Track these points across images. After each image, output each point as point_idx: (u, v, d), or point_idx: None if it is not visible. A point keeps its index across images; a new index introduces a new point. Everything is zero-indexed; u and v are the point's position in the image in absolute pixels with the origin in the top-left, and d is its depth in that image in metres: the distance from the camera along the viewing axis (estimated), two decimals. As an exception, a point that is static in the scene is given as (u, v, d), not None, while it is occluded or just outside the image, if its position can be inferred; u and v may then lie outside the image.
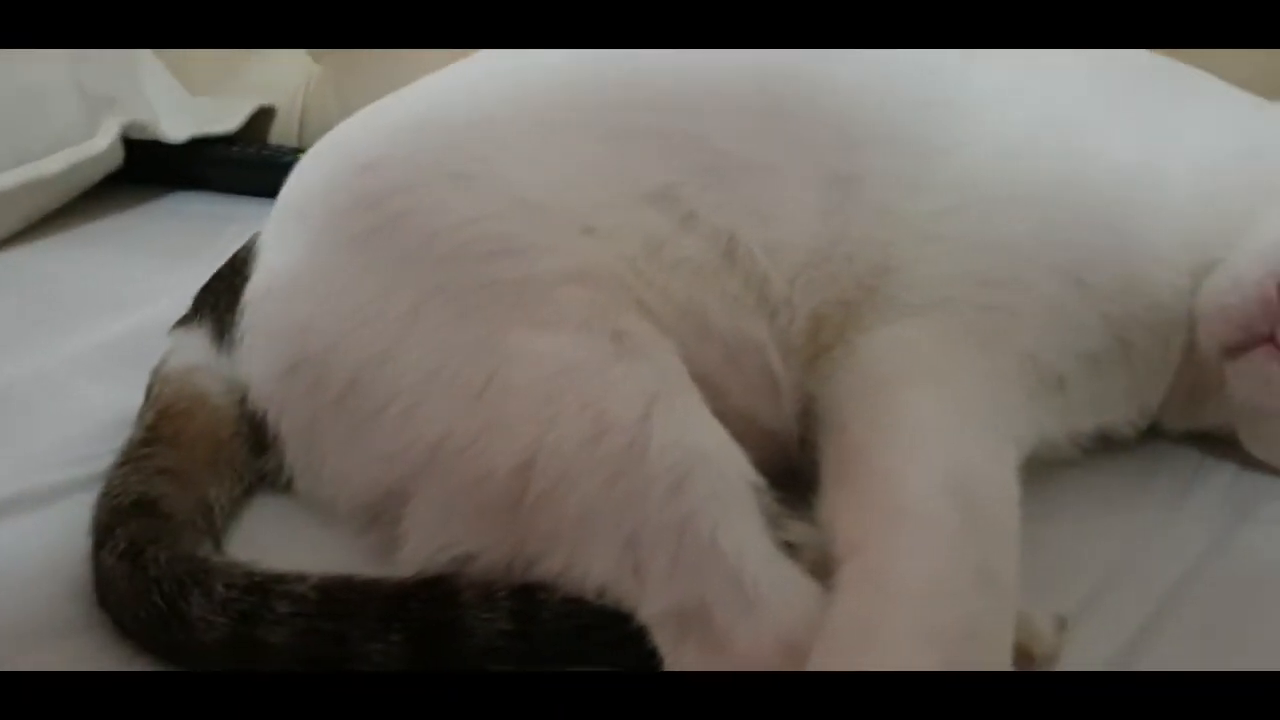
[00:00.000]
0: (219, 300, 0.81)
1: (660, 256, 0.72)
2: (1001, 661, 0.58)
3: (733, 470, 0.63)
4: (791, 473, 0.70)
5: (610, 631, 0.61)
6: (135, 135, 1.31)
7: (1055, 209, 0.75)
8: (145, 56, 1.40)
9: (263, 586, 0.63)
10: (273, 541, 0.73)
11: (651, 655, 0.61)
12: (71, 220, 1.29)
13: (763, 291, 0.74)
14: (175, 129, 1.33)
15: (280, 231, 0.80)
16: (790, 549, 0.63)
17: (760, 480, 0.64)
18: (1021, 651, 0.60)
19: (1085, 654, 0.63)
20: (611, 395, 0.64)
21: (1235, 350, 0.72)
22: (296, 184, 0.82)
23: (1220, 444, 0.81)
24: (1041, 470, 0.75)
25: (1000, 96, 0.79)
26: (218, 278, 0.84)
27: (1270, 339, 0.70)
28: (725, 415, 0.68)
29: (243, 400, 0.76)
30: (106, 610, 0.66)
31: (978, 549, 0.60)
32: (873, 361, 0.72)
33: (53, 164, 1.23)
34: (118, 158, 1.31)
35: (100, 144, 1.27)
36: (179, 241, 1.23)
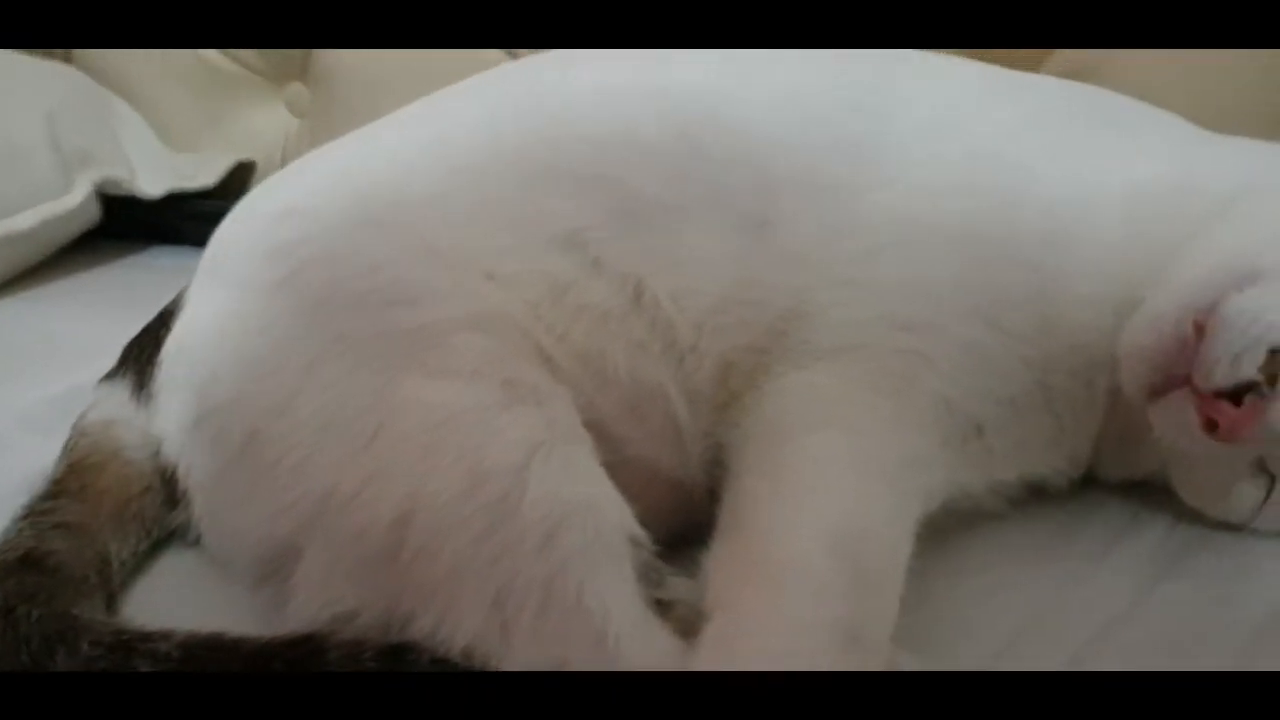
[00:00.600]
0: (142, 353, 0.80)
1: (564, 302, 0.71)
2: None
3: (609, 523, 0.61)
4: (699, 527, 0.68)
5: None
6: (110, 191, 1.31)
7: (972, 249, 0.72)
8: (124, 111, 1.41)
9: (127, 645, 0.62)
10: (178, 598, 0.72)
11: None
12: (48, 275, 1.29)
13: (669, 337, 0.72)
14: (151, 184, 1.33)
15: (201, 284, 0.79)
16: (663, 606, 0.60)
17: (642, 534, 0.62)
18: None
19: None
20: (492, 445, 0.62)
21: (1155, 392, 0.69)
22: (219, 237, 0.82)
23: (1159, 494, 0.77)
24: (968, 520, 0.73)
25: (922, 133, 0.77)
26: (145, 331, 0.84)
27: (1188, 380, 0.67)
28: (625, 465, 0.66)
29: (157, 454, 0.76)
30: (-18, 667, 0.65)
31: (849, 608, 0.58)
32: (778, 408, 0.70)
33: (25, 220, 1.22)
34: (93, 214, 1.31)
35: (74, 200, 1.26)
36: (152, 296, 1.21)
